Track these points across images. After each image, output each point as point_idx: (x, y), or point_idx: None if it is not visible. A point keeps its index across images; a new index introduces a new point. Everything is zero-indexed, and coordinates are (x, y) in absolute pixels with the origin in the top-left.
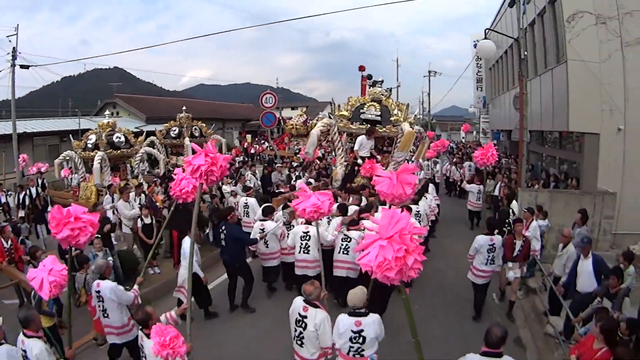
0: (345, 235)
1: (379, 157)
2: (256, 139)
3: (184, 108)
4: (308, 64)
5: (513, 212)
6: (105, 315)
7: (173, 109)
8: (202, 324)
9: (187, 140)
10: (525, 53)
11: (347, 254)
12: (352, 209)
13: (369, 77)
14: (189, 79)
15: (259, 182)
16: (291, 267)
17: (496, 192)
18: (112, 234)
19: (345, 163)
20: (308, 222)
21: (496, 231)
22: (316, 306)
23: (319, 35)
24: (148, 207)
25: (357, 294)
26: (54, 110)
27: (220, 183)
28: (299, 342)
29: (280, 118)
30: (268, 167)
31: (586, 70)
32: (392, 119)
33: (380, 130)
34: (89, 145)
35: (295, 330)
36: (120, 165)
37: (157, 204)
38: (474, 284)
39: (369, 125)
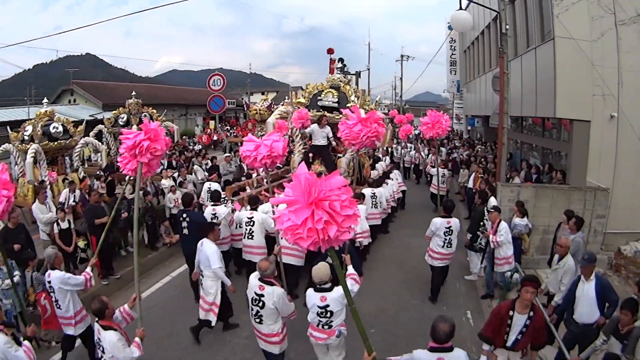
0: (248, 218)
1: (333, 143)
2: (219, 125)
3: (133, 93)
4: (282, 49)
5: (488, 210)
6: (58, 305)
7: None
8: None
9: (134, 128)
10: (507, 27)
11: (251, 238)
12: None
13: (341, 60)
14: (162, 65)
15: (207, 174)
16: (240, 252)
17: (470, 184)
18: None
19: (304, 151)
20: (253, 209)
21: (453, 216)
22: (272, 283)
23: (294, 21)
24: (64, 210)
25: (320, 269)
26: (23, 99)
27: (156, 177)
28: (258, 320)
29: (245, 103)
30: (229, 155)
31: (576, 50)
32: (348, 105)
33: (336, 118)
34: (26, 137)
35: (252, 309)
36: (59, 158)
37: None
38: (432, 267)
39: (325, 113)
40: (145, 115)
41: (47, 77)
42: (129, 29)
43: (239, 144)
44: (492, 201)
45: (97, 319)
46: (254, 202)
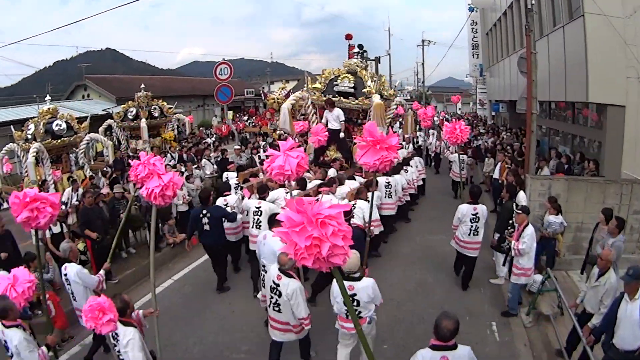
0: (256, 207)
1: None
2: (237, 115)
3: (142, 86)
4: (303, 37)
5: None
6: (74, 298)
7: (148, 87)
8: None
9: (143, 122)
10: (533, 2)
11: (259, 228)
12: (315, 183)
13: (360, 46)
14: (183, 56)
15: (216, 168)
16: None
17: (496, 174)
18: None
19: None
20: (262, 197)
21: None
22: (290, 276)
23: (314, 9)
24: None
25: (351, 259)
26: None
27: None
28: (276, 309)
29: (262, 92)
30: (240, 147)
31: (608, 28)
32: (364, 90)
33: (352, 103)
34: (29, 136)
35: (272, 298)
36: (63, 156)
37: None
38: (460, 255)
39: (340, 98)
40: (155, 108)
41: (67, 73)
42: (148, 23)
43: (257, 134)
44: (522, 197)
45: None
46: (262, 191)
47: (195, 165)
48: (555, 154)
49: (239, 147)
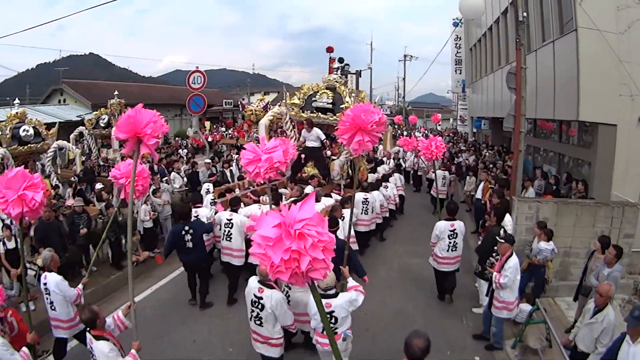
0: (227, 220)
1: (326, 145)
2: (214, 125)
3: (115, 93)
4: (286, 50)
5: (505, 232)
6: (53, 308)
7: (125, 94)
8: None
9: (114, 131)
10: (525, 15)
11: (229, 240)
12: (291, 200)
13: (340, 60)
14: (166, 65)
15: (186, 181)
16: None
17: (478, 194)
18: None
19: (297, 152)
20: (233, 210)
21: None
22: (271, 287)
23: (298, 21)
24: (9, 227)
25: (326, 275)
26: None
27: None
28: (258, 322)
29: (240, 103)
30: (212, 160)
31: (601, 43)
32: (342, 106)
33: (330, 119)
34: None
35: (253, 311)
36: (30, 164)
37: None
38: (437, 271)
39: (318, 114)
40: None
41: (49, 77)
42: (133, 29)
43: (232, 147)
44: (508, 221)
45: (88, 328)
46: (234, 204)
47: (165, 178)
48: (541, 173)
49: (209, 160)
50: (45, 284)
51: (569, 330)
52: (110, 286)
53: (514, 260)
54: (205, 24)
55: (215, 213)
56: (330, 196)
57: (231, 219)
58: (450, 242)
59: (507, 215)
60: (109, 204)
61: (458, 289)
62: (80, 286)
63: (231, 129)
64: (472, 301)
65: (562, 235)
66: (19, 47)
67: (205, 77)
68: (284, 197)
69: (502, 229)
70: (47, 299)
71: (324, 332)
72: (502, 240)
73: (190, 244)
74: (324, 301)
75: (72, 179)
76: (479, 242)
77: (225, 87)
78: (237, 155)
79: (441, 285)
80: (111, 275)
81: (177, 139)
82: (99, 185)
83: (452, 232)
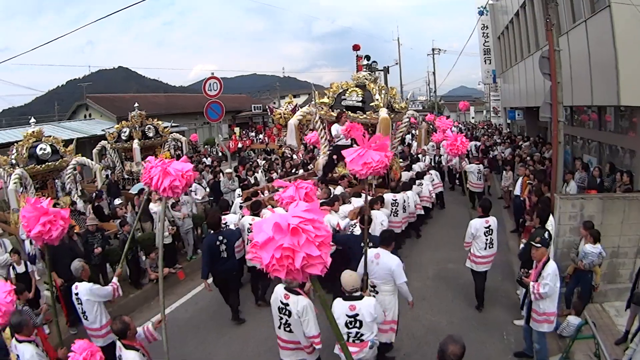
0: (250, 225)
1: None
2: (244, 131)
3: (136, 105)
4: (315, 51)
5: (549, 234)
6: (85, 317)
7: (151, 105)
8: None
9: (135, 143)
10: None
11: None
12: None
13: (367, 58)
14: (196, 74)
15: (208, 191)
16: None
17: (517, 190)
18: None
19: (328, 152)
20: (255, 214)
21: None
22: (297, 293)
23: (324, 23)
24: (17, 252)
25: (351, 276)
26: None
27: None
28: (287, 329)
29: (268, 107)
30: (240, 166)
31: (637, 19)
32: (372, 104)
33: (360, 117)
34: (13, 161)
35: (281, 319)
36: (48, 182)
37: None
38: (475, 272)
39: (348, 112)
40: (149, 128)
41: (79, 93)
42: (161, 40)
43: (259, 152)
44: (549, 222)
45: (118, 337)
46: (256, 208)
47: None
48: (581, 165)
49: (230, 170)
50: (77, 294)
51: (620, 342)
52: (129, 306)
53: (552, 267)
54: (232, 31)
55: (242, 217)
56: (360, 196)
57: (252, 224)
58: (487, 240)
59: (550, 216)
60: (124, 221)
61: (498, 298)
62: (115, 279)
63: (261, 133)
64: (514, 312)
65: (609, 235)
66: (48, 66)
67: (222, 83)
68: None
69: (547, 232)
70: (80, 309)
71: (349, 340)
72: (538, 245)
73: (225, 254)
74: (347, 303)
75: (94, 193)
76: (521, 246)
77: (255, 92)
78: (264, 162)
79: (480, 289)
80: (130, 294)
81: (205, 147)
82: (117, 201)
83: (487, 229)
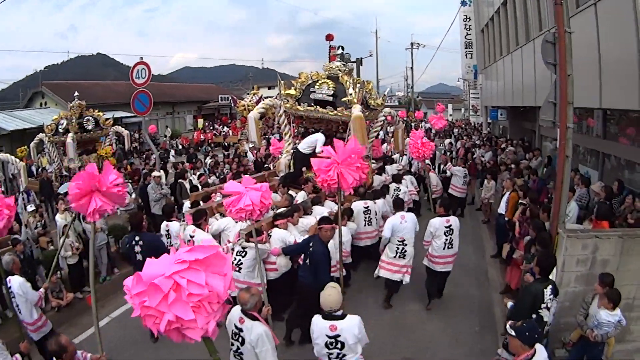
0: (190, 237)
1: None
2: (207, 123)
3: (75, 94)
4: (296, 44)
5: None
6: (19, 311)
7: (112, 94)
8: None
9: (69, 137)
10: None
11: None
12: (280, 211)
13: (341, 48)
14: (177, 61)
15: (134, 197)
16: None
17: (501, 208)
18: None
19: (292, 151)
20: (197, 224)
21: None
22: (254, 318)
23: (307, 15)
24: None
25: (330, 295)
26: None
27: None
28: (239, 358)
29: (232, 98)
30: (188, 164)
31: None
32: (344, 99)
33: (331, 113)
34: None
35: (232, 345)
36: None
37: None
38: (432, 271)
39: (317, 107)
40: (88, 120)
41: (58, 78)
42: (142, 29)
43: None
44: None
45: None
46: (198, 217)
47: None
48: (580, 179)
49: (158, 174)
50: (9, 287)
51: None
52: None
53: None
54: (214, 20)
55: (186, 227)
56: (321, 203)
57: (194, 236)
58: (446, 239)
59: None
60: (16, 240)
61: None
62: (42, 290)
63: (227, 126)
64: None
65: (624, 283)
66: (28, 50)
67: (150, 69)
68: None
69: (550, 284)
70: (14, 302)
71: None
72: (513, 334)
73: (139, 257)
74: (328, 323)
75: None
76: (509, 304)
77: (232, 83)
78: (211, 159)
79: (432, 288)
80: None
81: (165, 139)
82: (29, 208)
83: (447, 229)
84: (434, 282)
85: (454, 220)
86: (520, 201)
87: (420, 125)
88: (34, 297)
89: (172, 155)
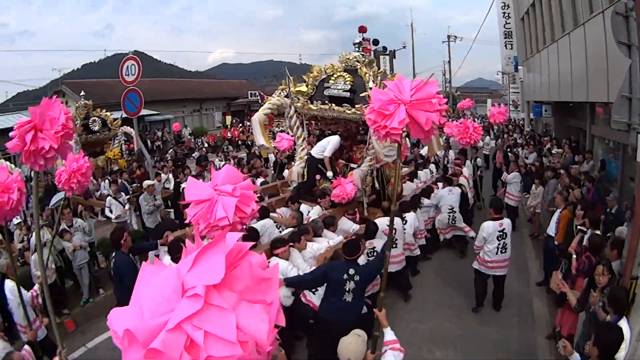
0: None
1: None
2: (234, 120)
3: (82, 94)
4: (332, 39)
5: None
6: (13, 314)
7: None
8: None
9: (73, 140)
10: None
11: None
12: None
13: (375, 42)
14: (213, 59)
15: (127, 207)
16: None
17: (551, 229)
18: None
19: (306, 157)
20: (175, 259)
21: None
22: None
23: (343, 10)
24: None
25: (351, 345)
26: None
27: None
28: None
29: (259, 94)
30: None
31: None
32: (363, 94)
33: (348, 112)
34: None
35: None
36: None
37: None
38: (482, 274)
39: (332, 105)
40: (94, 121)
41: (95, 76)
42: (179, 26)
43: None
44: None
45: None
46: (176, 251)
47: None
48: None
49: (151, 184)
50: (4, 291)
51: None
52: None
53: None
54: (250, 17)
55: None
56: (333, 224)
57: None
58: (499, 244)
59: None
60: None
61: None
62: (36, 287)
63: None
64: None
65: None
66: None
67: (140, 65)
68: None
69: None
70: (8, 305)
71: None
72: None
73: (115, 277)
74: None
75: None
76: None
77: (267, 78)
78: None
79: (484, 292)
80: None
81: (189, 137)
82: (15, 220)
83: (501, 233)
84: (482, 285)
85: (507, 223)
86: (578, 226)
87: (463, 114)
88: (26, 297)
89: (192, 156)
